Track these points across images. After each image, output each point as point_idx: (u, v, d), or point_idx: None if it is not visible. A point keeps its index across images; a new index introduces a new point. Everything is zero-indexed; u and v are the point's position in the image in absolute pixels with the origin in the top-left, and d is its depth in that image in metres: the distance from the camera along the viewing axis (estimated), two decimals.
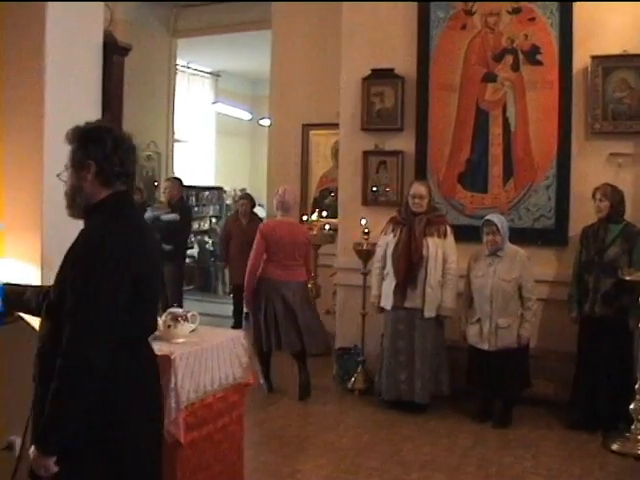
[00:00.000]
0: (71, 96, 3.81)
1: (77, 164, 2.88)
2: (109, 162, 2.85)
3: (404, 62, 7.73)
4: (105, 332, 2.65)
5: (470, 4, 7.48)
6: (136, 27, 11.91)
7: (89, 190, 2.87)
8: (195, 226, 17.24)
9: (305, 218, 9.42)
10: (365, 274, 7.43)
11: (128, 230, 2.84)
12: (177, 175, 12.26)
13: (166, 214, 10.25)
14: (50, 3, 3.65)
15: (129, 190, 2.97)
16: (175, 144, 14.54)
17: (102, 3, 3.99)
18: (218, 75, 18.60)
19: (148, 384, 2.95)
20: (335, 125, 8.56)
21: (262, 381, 7.33)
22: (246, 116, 19.88)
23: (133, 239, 2.83)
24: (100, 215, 2.85)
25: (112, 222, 2.83)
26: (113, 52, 4.08)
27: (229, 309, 10.88)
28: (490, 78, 7.47)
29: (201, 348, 4.34)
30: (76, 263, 2.71)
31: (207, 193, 17.81)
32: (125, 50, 4.20)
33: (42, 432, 2.66)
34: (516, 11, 7.32)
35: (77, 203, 2.90)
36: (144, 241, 2.93)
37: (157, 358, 3.10)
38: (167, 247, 9.80)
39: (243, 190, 17.59)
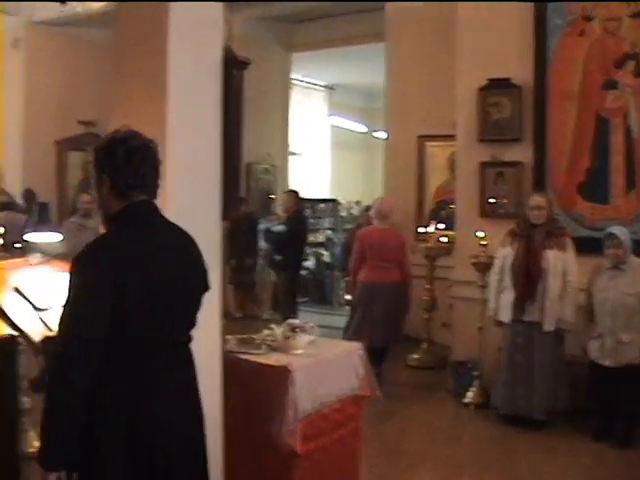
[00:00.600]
0: (192, 111, 3.88)
1: (96, 180, 2.94)
2: (121, 174, 2.86)
3: (521, 71, 7.58)
4: (83, 348, 2.65)
5: (589, 10, 7.28)
6: (252, 42, 12.11)
7: (108, 204, 2.92)
8: (310, 238, 17.35)
9: (421, 230, 9.37)
10: (482, 287, 7.31)
11: (128, 240, 2.83)
12: (293, 188, 12.38)
13: (277, 226, 10.42)
14: (172, 18, 3.72)
15: (149, 199, 2.95)
16: (290, 157, 14.70)
17: (222, 16, 4.04)
18: (332, 88, 18.72)
19: (146, 399, 2.82)
20: (451, 136, 8.48)
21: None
22: (360, 128, 19.94)
23: (127, 249, 2.78)
24: (113, 227, 2.92)
25: (111, 235, 2.90)
26: (233, 66, 4.14)
27: (344, 321, 10.88)
28: (611, 85, 7.25)
29: (319, 359, 4.36)
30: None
31: (322, 205, 17.89)
32: (244, 64, 4.26)
33: (39, 449, 2.75)
34: (637, 15, 7.10)
35: (103, 216, 2.97)
36: (152, 252, 2.87)
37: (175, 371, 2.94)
38: (277, 258, 9.96)
39: (358, 202, 17.64)
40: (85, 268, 2.76)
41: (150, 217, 2.97)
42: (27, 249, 5.41)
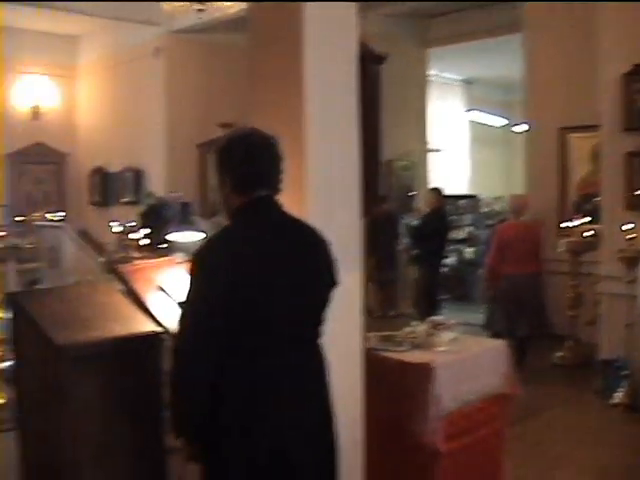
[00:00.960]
0: (329, 108, 3.88)
1: (218, 179, 3.01)
2: (240, 172, 2.93)
3: None
4: (200, 344, 2.75)
5: None
6: (388, 39, 12.05)
7: (230, 200, 2.98)
8: (452, 235, 17.16)
9: (564, 225, 9.10)
10: (630, 282, 7.02)
11: (246, 235, 2.86)
12: (434, 185, 12.32)
13: (415, 220, 10.45)
14: (306, 17, 3.73)
15: (270, 194, 2.97)
16: (430, 153, 14.59)
17: (356, 13, 4.02)
18: (470, 82, 18.46)
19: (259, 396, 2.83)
20: (594, 126, 8.21)
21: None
22: (500, 122, 19.57)
23: (243, 244, 2.81)
24: (233, 222, 2.97)
25: (229, 229, 2.95)
26: (369, 61, 4.13)
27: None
28: None
29: (461, 357, 4.30)
30: None
31: (463, 202, 17.67)
32: (380, 59, 4.24)
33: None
34: None
35: (225, 212, 3.03)
36: (270, 246, 2.86)
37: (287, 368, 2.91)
38: (415, 252, 10.36)
39: (499, 198, 17.30)
40: (202, 264, 2.83)
41: (270, 212, 2.99)
42: (171, 248, 5.58)
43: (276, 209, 3.00)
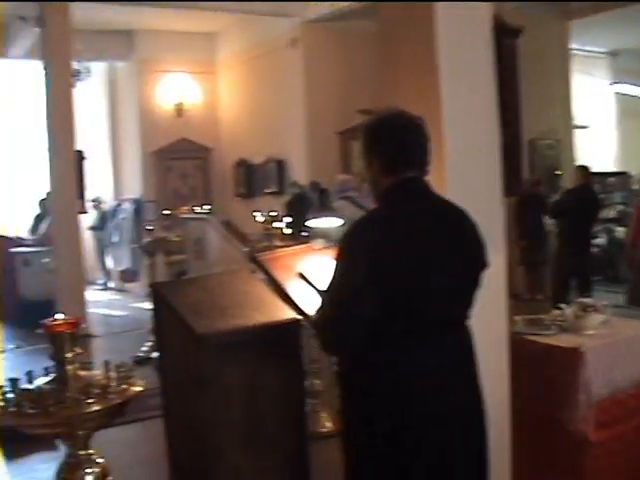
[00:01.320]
0: (466, 86, 3.79)
1: (366, 159, 2.99)
2: (389, 152, 2.91)
3: None
4: (342, 322, 2.74)
5: None
6: (525, 13, 11.72)
7: (378, 181, 2.96)
8: (601, 214, 16.57)
9: None
10: None
11: (394, 216, 2.83)
12: (581, 163, 11.92)
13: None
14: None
15: (418, 176, 2.93)
16: (574, 130, 14.10)
17: None
18: (615, 54, 17.72)
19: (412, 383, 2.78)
20: None
21: None
22: None
23: (392, 226, 2.78)
24: (381, 204, 2.95)
25: (378, 211, 2.93)
26: (503, 35, 3.99)
27: None
28: None
29: (613, 341, 4.12)
30: None
31: (611, 179, 17.04)
32: (516, 32, 4.09)
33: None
34: None
35: (373, 194, 3.01)
36: (418, 228, 2.81)
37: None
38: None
39: None
40: (348, 247, 2.82)
41: (419, 193, 2.95)
42: (312, 235, 5.60)
43: (425, 190, 2.97)
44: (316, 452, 4.55)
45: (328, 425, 5.92)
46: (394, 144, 2.91)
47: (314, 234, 5.66)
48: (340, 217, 5.91)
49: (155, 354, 4.49)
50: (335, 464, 3.10)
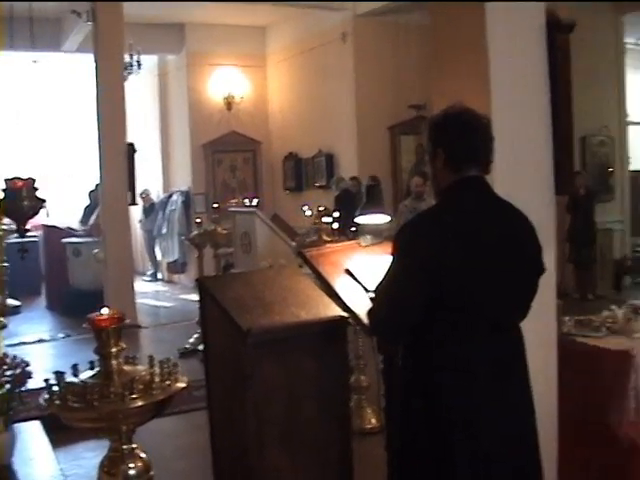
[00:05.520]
0: (517, 81, 3.76)
1: (430, 153, 2.97)
2: (456, 147, 2.88)
3: None
4: (393, 332, 2.85)
5: None
6: (579, 7, 11.53)
7: (440, 176, 2.95)
8: None
9: None
10: None
11: (453, 215, 2.82)
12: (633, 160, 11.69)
13: None
14: None
15: (480, 174, 2.90)
16: (628, 127, 13.86)
17: None
18: None
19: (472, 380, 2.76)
20: None
21: None
22: None
23: (449, 225, 2.77)
24: (441, 200, 2.95)
25: (436, 209, 2.95)
26: (556, 30, 3.91)
27: None
28: None
29: None
30: None
31: None
32: (569, 27, 4.01)
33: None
34: None
35: (434, 190, 3.00)
36: (476, 228, 2.79)
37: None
38: None
39: None
40: (404, 244, 2.82)
41: (479, 192, 2.93)
42: (360, 231, 5.58)
43: (487, 190, 2.95)
44: (361, 448, 4.54)
45: (373, 421, 5.91)
46: (460, 141, 2.89)
47: (362, 230, 5.64)
48: (388, 214, 5.88)
49: (202, 347, 4.53)
50: (379, 460, 3.08)
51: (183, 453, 5.73)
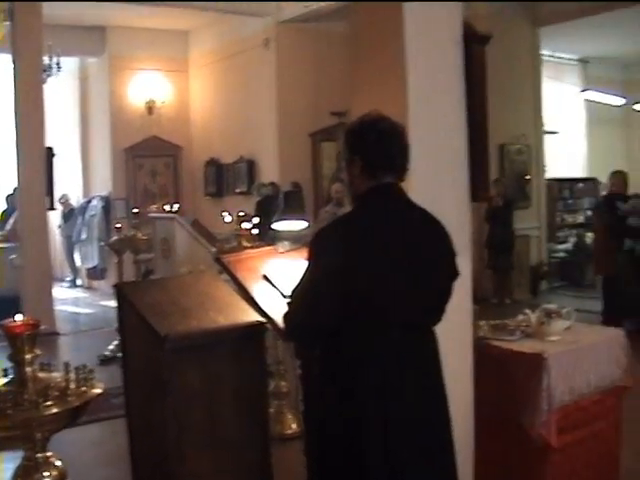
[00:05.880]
0: (433, 90, 3.81)
1: (347, 161, 3.00)
2: (371, 156, 2.92)
3: None
4: (307, 335, 2.89)
5: None
6: (498, 20, 11.78)
7: (357, 183, 2.98)
8: (569, 219, 16.75)
9: None
10: None
11: (366, 221, 2.86)
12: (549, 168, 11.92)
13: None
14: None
15: (395, 182, 2.95)
16: (545, 136, 14.20)
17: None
18: (586, 61, 17.86)
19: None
20: None
21: None
22: (618, 102, 18.88)
23: (362, 231, 2.81)
24: (355, 207, 2.99)
25: (350, 215, 2.98)
26: (473, 42, 4.00)
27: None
28: None
29: (576, 347, 4.14)
30: None
31: (580, 185, 17.22)
32: (485, 38, 4.10)
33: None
34: None
35: (350, 196, 3.05)
36: (389, 233, 2.84)
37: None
38: None
39: None
40: (318, 250, 2.85)
41: (394, 198, 2.97)
42: (277, 237, 5.60)
43: (401, 196, 3.00)
44: (281, 454, 4.55)
45: (293, 427, 5.92)
46: (375, 148, 2.92)
47: (279, 236, 5.66)
48: (305, 220, 5.91)
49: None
50: (300, 465, 3.09)
51: (103, 461, 5.64)
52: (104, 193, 14.70)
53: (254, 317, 3.57)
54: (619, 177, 9.76)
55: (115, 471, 5.26)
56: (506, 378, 4.07)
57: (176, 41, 14.98)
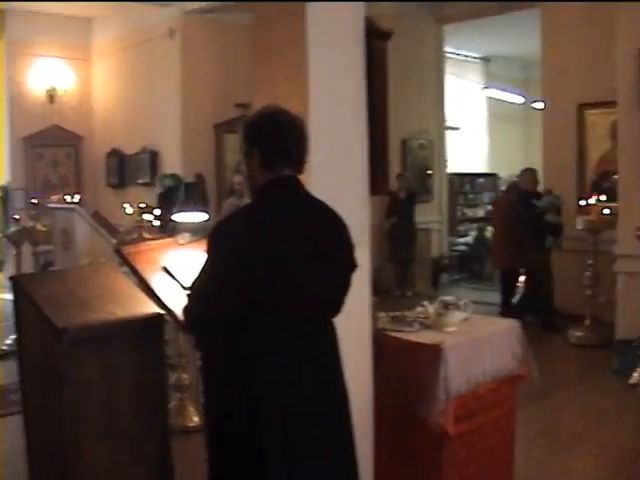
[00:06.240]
0: (335, 85, 3.84)
1: (246, 153, 3.02)
2: (270, 148, 2.94)
3: None
4: (207, 325, 2.86)
5: None
6: (403, 18, 11.96)
7: (255, 176, 2.99)
8: (469, 214, 17.11)
9: (582, 203, 8.97)
10: None
11: (264, 214, 2.87)
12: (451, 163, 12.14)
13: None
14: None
15: (293, 174, 2.98)
16: (447, 131, 14.47)
17: None
18: (488, 60, 18.28)
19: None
20: (612, 103, 8.06)
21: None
22: (518, 100, 19.38)
23: (261, 223, 2.82)
24: (254, 200, 3.00)
25: (249, 208, 2.98)
26: (375, 38, 4.04)
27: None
28: None
29: (472, 337, 4.23)
30: None
31: (481, 180, 17.62)
32: (387, 35, 4.15)
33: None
34: None
35: (249, 189, 3.05)
36: (287, 226, 2.86)
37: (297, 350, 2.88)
38: None
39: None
40: (216, 242, 2.85)
41: (292, 191, 2.99)
42: (177, 229, 5.57)
43: (300, 189, 3.01)
44: (183, 446, 4.52)
45: (195, 420, 5.90)
46: (274, 141, 2.93)
47: (180, 228, 5.63)
48: (205, 211, 5.89)
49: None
50: (201, 458, 3.09)
51: (2, 458, 5.51)
52: (1, 183, 14.28)
53: (153, 309, 3.54)
54: (530, 175, 9.98)
55: (15, 468, 5.12)
56: (405, 368, 4.13)
57: (79, 28, 14.65)
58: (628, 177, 7.59)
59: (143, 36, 13.35)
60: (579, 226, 8.76)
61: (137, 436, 3.57)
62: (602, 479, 5.04)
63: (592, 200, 8.70)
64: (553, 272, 9.68)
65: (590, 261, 8.69)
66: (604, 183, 9.91)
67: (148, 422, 3.60)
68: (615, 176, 8.54)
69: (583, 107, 10.19)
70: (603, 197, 8.79)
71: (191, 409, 5.98)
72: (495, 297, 10.78)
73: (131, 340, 3.53)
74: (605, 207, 8.65)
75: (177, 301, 3.23)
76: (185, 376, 6.05)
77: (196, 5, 12.23)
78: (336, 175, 3.82)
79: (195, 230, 4.81)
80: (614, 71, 7.71)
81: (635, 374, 7.03)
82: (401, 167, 12.63)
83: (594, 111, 10.09)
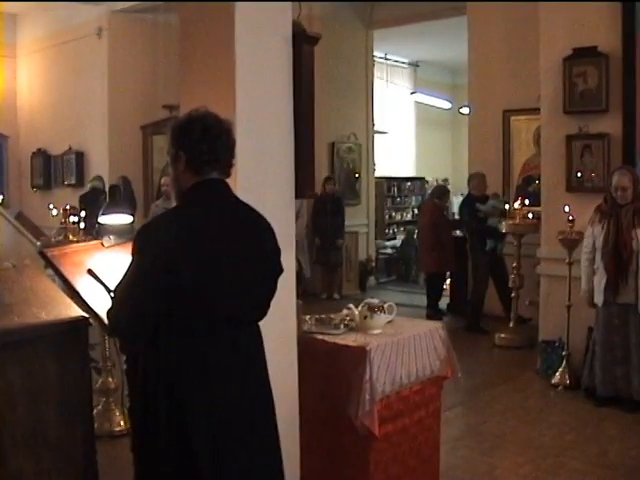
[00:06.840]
0: (262, 88, 3.86)
1: (172, 156, 3.00)
2: (196, 152, 2.93)
3: (607, 39, 7.21)
4: (134, 317, 2.78)
5: None
6: (333, 22, 12.04)
7: (182, 179, 2.98)
8: (397, 217, 17.30)
9: (507, 207, 9.14)
10: (570, 264, 7.08)
11: (190, 217, 2.88)
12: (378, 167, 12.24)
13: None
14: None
15: (220, 178, 2.98)
16: (376, 135, 14.59)
17: None
18: (417, 65, 18.51)
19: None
20: (537, 110, 8.24)
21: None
22: (446, 105, 19.67)
23: (186, 227, 2.82)
24: (180, 203, 2.99)
25: (175, 211, 2.97)
26: (302, 42, 4.07)
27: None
28: None
29: (397, 339, 4.28)
30: None
31: (409, 184, 17.84)
32: (314, 39, 4.18)
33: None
34: None
35: (175, 192, 3.04)
36: (213, 229, 2.87)
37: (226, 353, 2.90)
38: None
39: (446, 180, 17.46)
40: (142, 245, 2.83)
41: (218, 194, 2.99)
42: (102, 231, 5.51)
43: (226, 192, 3.01)
44: (108, 451, 4.47)
45: (122, 424, 5.84)
46: (200, 144, 2.92)
47: (105, 231, 5.57)
48: (130, 214, 5.84)
49: None
50: (128, 462, 3.07)
51: None
52: None
53: (78, 312, 3.50)
54: (478, 179, 10.08)
55: None
56: (332, 371, 4.17)
57: (3, 24, 14.32)
58: (551, 182, 7.76)
59: (70, 34, 13.11)
60: (504, 230, 8.94)
61: (62, 441, 3.51)
62: (526, 475, 5.14)
63: (517, 204, 8.87)
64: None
65: (514, 264, 8.86)
66: (528, 188, 10.13)
67: (72, 427, 3.54)
68: (538, 181, 8.72)
69: (508, 113, 10.41)
70: (527, 201, 8.97)
71: (117, 414, 5.92)
72: (422, 300, 10.92)
73: (56, 344, 3.46)
74: (529, 211, 8.85)
75: (102, 304, 3.20)
76: (111, 380, 5.99)
77: (125, 4, 12.09)
78: (262, 178, 3.84)
79: (121, 232, 4.77)
80: (539, 78, 7.87)
81: (557, 374, 7.21)
82: (329, 170, 12.70)
83: (519, 117, 10.32)
